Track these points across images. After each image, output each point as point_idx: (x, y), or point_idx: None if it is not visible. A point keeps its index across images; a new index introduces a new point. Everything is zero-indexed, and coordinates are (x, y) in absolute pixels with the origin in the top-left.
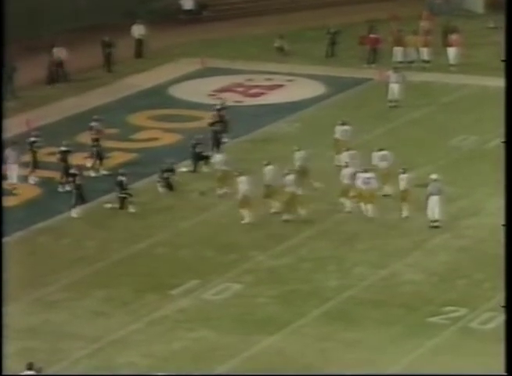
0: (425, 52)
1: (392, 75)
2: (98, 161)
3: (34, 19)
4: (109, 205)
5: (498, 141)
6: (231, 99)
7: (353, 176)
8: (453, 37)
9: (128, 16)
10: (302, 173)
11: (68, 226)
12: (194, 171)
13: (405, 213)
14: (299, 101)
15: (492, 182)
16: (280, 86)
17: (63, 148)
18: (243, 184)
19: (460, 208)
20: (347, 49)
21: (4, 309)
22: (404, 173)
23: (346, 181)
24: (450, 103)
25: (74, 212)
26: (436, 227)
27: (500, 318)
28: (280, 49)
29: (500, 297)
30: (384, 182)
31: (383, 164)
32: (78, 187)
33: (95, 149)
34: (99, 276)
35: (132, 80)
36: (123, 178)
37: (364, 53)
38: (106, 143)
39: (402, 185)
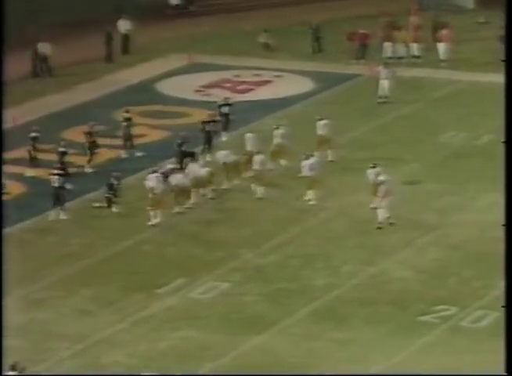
0: (415, 48)
1: (382, 71)
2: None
3: (19, 13)
4: (97, 204)
5: (488, 137)
6: (219, 95)
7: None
8: (443, 32)
9: (115, 10)
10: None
11: (54, 224)
12: (180, 168)
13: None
14: (287, 97)
15: (481, 178)
16: (268, 82)
17: (61, 149)
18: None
19: (450, 205)
20: (335, 44)
21: None
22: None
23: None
24: (440, 98)
25: (53, 213)
26: (391, 224)
27: (491, 316)
28: (266, 45)
29: (491, 295)
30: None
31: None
32: (59, 189)
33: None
34: (85, 274)
35: (119, 75)
36: (114, 182)
37: (353, 49)
38: (93, 140)
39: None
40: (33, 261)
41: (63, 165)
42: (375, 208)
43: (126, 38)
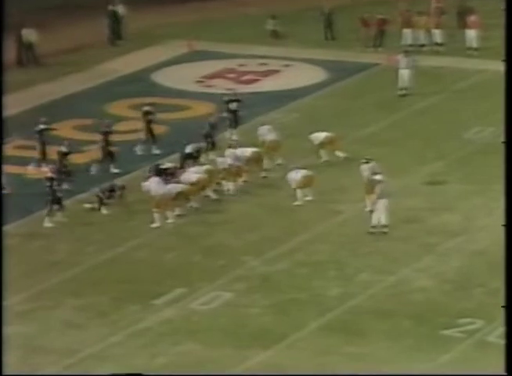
0: (437, 35)
1: (402, 60)
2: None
3: None
4: (88, 205)
5: None
6: (221, 86)
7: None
8: (471, 18)
9: None
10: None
11: (40, 227)
12: (180, 167)
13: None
14: (297, 88)
15: None
16: (276, 72)
17: (63, 148)
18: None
19: (475, 207)
20: (350, 31)
21: None
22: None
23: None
24: (464, 90)
25: (47, 220)
26: (384, 233)
27: None
28: (273, 32)
29: None
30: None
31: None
32: (54, 192)
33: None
34: (73, 282)
35: (111, 65)
36: (117, 190)
37: (369, 36)
38: (81, 135)
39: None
40: (17, 268)
41: (65, 167)
42: (371, 211)
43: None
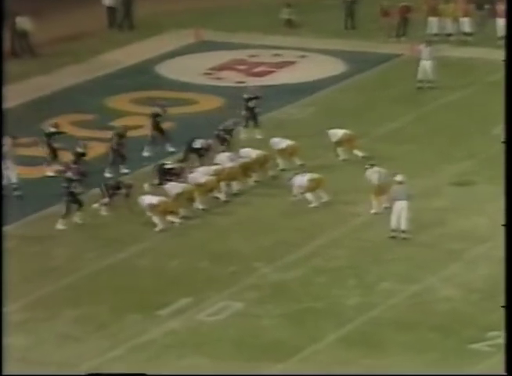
0: (466, 23)
1: (424, 50)
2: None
3: None
4: (97, 205)
5: None
6: (231, 78)
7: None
8: (502, 6)
9: None
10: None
11: (36, 231)
12: (183, 161)
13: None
14: (313, 81)
15: None
16: (290, 63)
17: (79, 149)
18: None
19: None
20: (371, 20)
21: None
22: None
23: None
24: (494, 83)
25: (61, 223)
26: (404, 239)
27: None
28: (288, 21)
29: None
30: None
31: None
32: (72, 194)
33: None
34: (71, 291)
35: (111, 55)
36: (123, 189)
37: (392, 24)
38: (80, 132)
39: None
40: (10, 275)
41: (80, 169)
42: (376, 214)
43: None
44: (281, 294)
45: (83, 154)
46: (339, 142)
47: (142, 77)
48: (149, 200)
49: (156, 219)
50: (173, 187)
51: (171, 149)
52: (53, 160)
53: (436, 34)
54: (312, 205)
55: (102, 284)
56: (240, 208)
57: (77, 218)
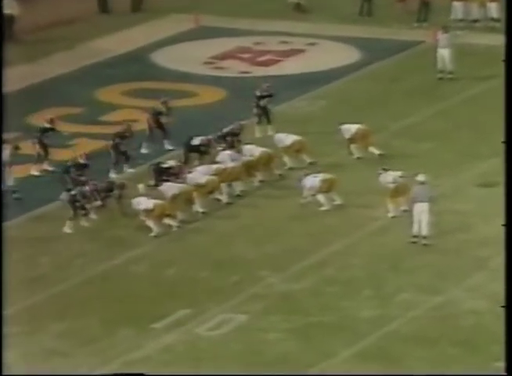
0: (493, 8)
1: (441, 37)
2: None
3: None
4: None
5: None
6: (234, 68)
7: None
8: None
9: None
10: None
11: (21, 235)
12: (185, 163)
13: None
14: (324, 71)
15: None
16: (300, 52)
17: (81, 161)
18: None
19: None
20: (388, 4)
21: None
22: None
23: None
24: None
25: (69, 226)
26: (425, 245)
27: None
28: (297, 5)
29: None
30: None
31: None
32: (84, 195)
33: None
34: (57, 303)
35: (102, 42)
36: (115, 190)
37: (409, 10)
38: (67, 127)
39: None
40: None
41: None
42: (394, 217)
43: None
44: (289, 306)
45: (85, 165)
46: (352, 139)
47: (135, 66)
48: (144, 204)
49: (151, 224)
50: (169, 188)
51: (170, 147)
52: (45, 159)
53: (461, 20)
54: (324, 208)
55: (92, 294)
56: (244, 211)
57: (83, 221)
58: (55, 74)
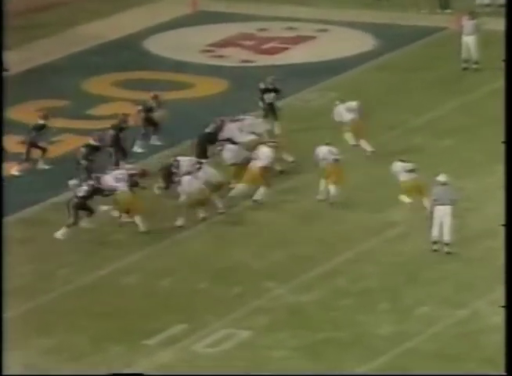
0: None
1: (466, 23)
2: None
3: None
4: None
5: None
6: (236, 57)
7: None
8: None
9: None
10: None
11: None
12: (203, 155)
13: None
14: (336, 60)
15: None
16: (308, 39)
17: (93, 142)
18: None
19: None
20: None
21: None
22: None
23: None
24: None
25: (62, 233)
26: (448, 253)
27: None
28: None
29: None
30: None
31: None
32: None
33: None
34: (42, 316)
35: (90, 28)
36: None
37: None
38: (51, 122)
39: None
40: None
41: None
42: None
43: None
44: (297, 321)
45: (98, 148)
46: (345, 127)
47: (126, 54)
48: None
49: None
50: (190, 181)
51: (158, 142)
52: (42, 157)
53: (488, 5)
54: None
55: (79, 307)
56: (248, 214)
57: (85, 223)
58: (38, 63)
